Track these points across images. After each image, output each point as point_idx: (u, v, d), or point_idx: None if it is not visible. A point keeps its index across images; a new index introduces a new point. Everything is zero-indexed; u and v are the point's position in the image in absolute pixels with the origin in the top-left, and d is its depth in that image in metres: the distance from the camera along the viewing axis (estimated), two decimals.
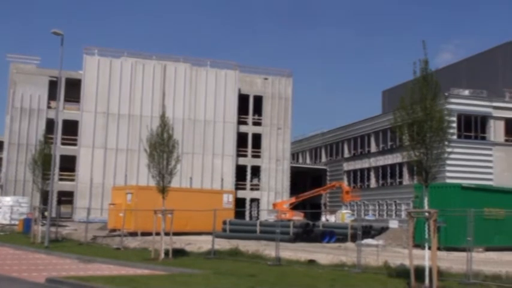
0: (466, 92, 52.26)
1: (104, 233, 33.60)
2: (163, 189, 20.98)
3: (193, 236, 32.06)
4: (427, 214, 14.11)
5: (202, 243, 24.99)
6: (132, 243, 26.86)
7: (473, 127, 50.62)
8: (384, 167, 58.36)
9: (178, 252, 22.03)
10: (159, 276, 16.32)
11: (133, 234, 30.31)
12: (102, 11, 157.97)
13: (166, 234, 21.14)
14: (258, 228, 33.74)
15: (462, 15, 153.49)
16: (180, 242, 24.93)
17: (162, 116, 21.49)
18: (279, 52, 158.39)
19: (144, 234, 28.32)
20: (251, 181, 57.87)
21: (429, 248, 14.01)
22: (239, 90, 56.04)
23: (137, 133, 49.36)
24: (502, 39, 79.79)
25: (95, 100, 52.31)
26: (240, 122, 56.58)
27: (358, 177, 62.88)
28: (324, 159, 71.28)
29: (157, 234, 21.20)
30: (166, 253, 20.75)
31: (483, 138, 50.89)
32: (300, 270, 17.57)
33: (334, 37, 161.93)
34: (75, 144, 52.37)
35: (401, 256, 21.04)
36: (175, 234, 22.39)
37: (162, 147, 20.85)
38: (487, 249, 25.92)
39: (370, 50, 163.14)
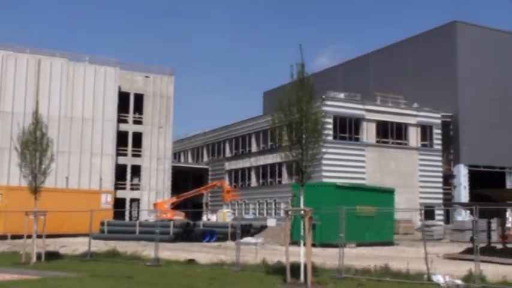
0: (341, 95, 54.77)
1: None
2: (35, 190, 19.95)
3: (69, 238, 30.89)
4: (302, 212, 14.58)
5: (78, 245, 24.12)
6: (1, 246, 25.29)
7: (347, 129, 53.16)
8: (264, 167, 59.65)
9: (52, 255, 21.08)
10: (30, 280, 15.45)
11: (2, 237, 28.61)
12: None
13: (39, 236, 20.16)
14: (137, 229, 33.19)
15: (339, 20, 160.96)
16: (54, 245, 23.89)
17: (35, 113, 20.45)
18: (161, 50, 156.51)
19: (15, 237, 26.82)
20: (131, 181, 56.60)
21: (305, 245, 14.47)
22: (119, 87, 54.59)
23: (8, 131, 46.31)
24: (375, 46, 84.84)
25: None
26: (120, 120, 55.13)
27: (239, 177, 63.77)
28: (205, 158, 71.51)
29: (29, 236, 20.13)
30: (39, 256, 19.79)
31: (357, 139, 53.59)
32: (179, 270, 17.47)
33: (218, 37, 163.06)
34: None
35: (279, 253, 21.57)
36: (50, 236, 21.43)
37: (34, 146, 19.83)
38: (359, 245, 27.31)
39: (253, 51, 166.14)
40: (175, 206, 48.68)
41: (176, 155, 75.87)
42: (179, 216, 42.96)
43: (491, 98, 58.07)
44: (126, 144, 55.96)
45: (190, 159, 75.62)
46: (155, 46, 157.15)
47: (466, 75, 57.49)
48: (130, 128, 56.41)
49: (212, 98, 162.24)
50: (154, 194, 55.66)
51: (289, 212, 16.77)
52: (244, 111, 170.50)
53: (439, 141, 56.76)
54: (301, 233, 14.81)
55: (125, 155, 55.85)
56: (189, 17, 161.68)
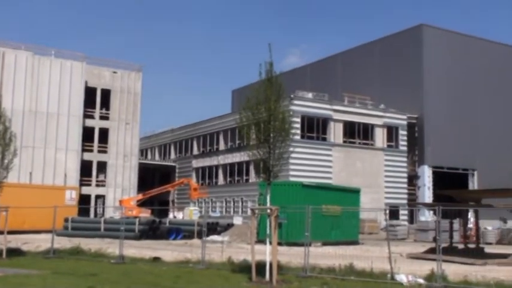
0: (310, 95, 55.07)
1: None
2: None
3: (32, 234, 30.34)
4: (268, 211, 14.61)
5: (41, 242, 23.70)
6: None
7: (315, 128, 53.49)
8: (231, 165, 59.61)
9: (14, 252, 20.66)
10: None
11: None
12: None
13: (1, 233, 19.76)
14: (102, 226, 32.82)
15: (309, 20, 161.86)
16: (16, 241, 23.43)
17: None
18: (130, 46, 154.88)
19: None
20: (97, 177, 55.84)
21: (270, 244, 14.51)
22: (86, 82, 53.78)
23: None
24: (344, 47, 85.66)
25: None
26: (86, 116, 54.32)
27: (207, 175, 63.60)
28: (173, 156, 71.10)
29: None
30: (0, 253, 19.36)
31: (324, 139, 53.96)
32: (143, 268, 17.33)
33: (188, 34, 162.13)
34: None
35: (245, 252, 21.60)
36: (12, 232, 21.01)
37: None
38: (325, 244, 27.51)
39: (223, 49, 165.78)
40: (142, 203, 48.26)
41: (143, 152, 75.24)
42: (145, 214, 42.63)
43: (456, 100, 59.21)
44: (92, 140, 55.18)
45: (157, 157, 75.06)
46: (124, 42, 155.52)
47: (431, 77, 58.46)
48: (96, 123, 55.64)
49: (181, 96, 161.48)
50: (120, 191, 55.05)
51: (256, 211, 16.78)
52: (213, 109, 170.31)
53: (405, 142, 57.60)
54: (268, 232, 14.84)
55: (91, 151, 55.08)
56: (159, 14, 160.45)
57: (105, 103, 56.57)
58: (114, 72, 56.89)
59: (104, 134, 55.88)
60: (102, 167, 56.00)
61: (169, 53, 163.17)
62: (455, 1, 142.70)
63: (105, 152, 55.72)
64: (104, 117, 56.34)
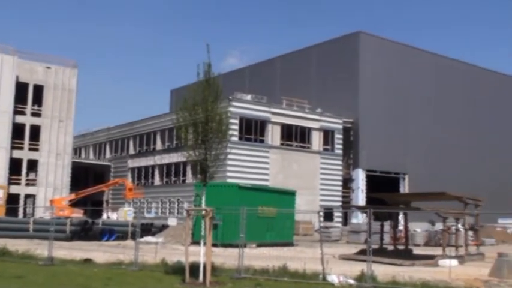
0: (248, 97, 55.30)
1: None
2: None
3: None
4: (204, 212, 14.56)
5: None
6: None
7: (253, 130, 53.74)
8: (168, 165, 59.00)
9: None
10: None
11: None
12: None
13: None
14: (31, 226, 31.75)
15: (249, 22, 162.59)
16: None
17: None
18: (66, 43, 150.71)
19: None
20: (27, 176, 53.90)
21: (205, 245, 14.46)
22: (17, 77, 51.84)
23: None
24: (282, 50, 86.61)
25: None
26: (17, 112, 52.32)
27: (143, 175, 62.71)
28: (108, 155, 69.64)
29: None
30: None
31: (262, 141, 54.28)
32: (73, 270, 16.87)
33: (128, 33, 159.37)
34: None
35: (179, 253, 21.44)
36: None
37: None
38: (260, 245, 27.71)
39: (164, 48, 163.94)
40: (74, 203, 46.99)
41: (77, 151, 73.30)
42: (77, 214, 41.51)
43: (390, 106, 60.98)
44: (22, 138, 53.20)
45: (91, 155, 73.30)
46: (60, 38, 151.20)
47: (367, 83, 59.95)
48: (28, 120, 53.71)
49: (118, 94, 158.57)
50: (51, 190, 53.35)
51: (191, 212, 16.69)
52: (151, 109, 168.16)
53: (340, 146, 58.74)
54: (202, 233, 14.79)
55: (21, 148, 53.11)
56: (96, 11, 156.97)
57: (38, 99, 54.66)
58: (48, 68, 55.11)
59: (36, 131, 54.01)
60: (33, 165, 54.11)
61: (107, 50, 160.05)
62: (392, 11, 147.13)
63: (36, 149, 53.86)
64: (35, 114, 54.45)
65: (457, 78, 67.69)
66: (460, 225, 26.01)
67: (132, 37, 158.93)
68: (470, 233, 28.36)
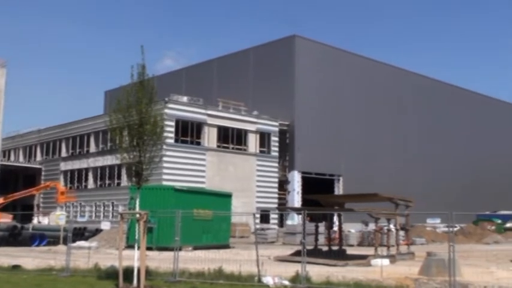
0: (185, 99, 54.90)
1: None
2: None
3: None
4: (138, 215, 14.35)
5: None
6: None
7: (189, 132, 53.40)
8: (102, 168, 57.75)
9: None
10: None
11: None
12: None
13: None
14: None
15: (185, 23, 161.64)
16: None
17: None
18: None
19: None
20: None
21: (139, 249, 14.25)
22: None
23: None
24: (218, 52, 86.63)
25: None
26: None
27: (76, 178, 61.08)
28: (39, 157, 67.40)
29: None
30: None
31: (198, 143, 54.01)
32: (0, 277, 16.22)
33: (60, 33, 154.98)
34: None
35: (113, 257, 20.99)
36: None
37: None
38: (196, 248, 27.55)
39: (98, 49, 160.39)
40: (3, 208, 45.26)
41: (5, 153, 70.53)
42: (6, 219, 39.87)
43: (325, 109, 62.09)
44: None
45: (21, 158, 70.70)
46: None
47: (302, 86, 60.79)
48: None
49: (50, 95, 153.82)
50: None
51: (126, 215, 16.42)
52: (85, 110, 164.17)
53: (276, 148, 59.28)
54: (137, 237, 14.58)
55: None
56: (28, 9, 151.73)
57: None
58: None
59: None
60: None
61: (39, 50, 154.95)
62: (328, 15, 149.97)
63: None
64: None
65: (387, 81, 69.75)
66: (391, 226, 26.72)
67: (66, 36, 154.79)
68: (402, 233, 29.18)
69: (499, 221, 53.89)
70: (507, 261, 24.35)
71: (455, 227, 41.03)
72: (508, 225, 53.76)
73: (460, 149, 77.82)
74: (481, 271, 18.51)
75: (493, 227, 51.62)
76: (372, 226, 30.17)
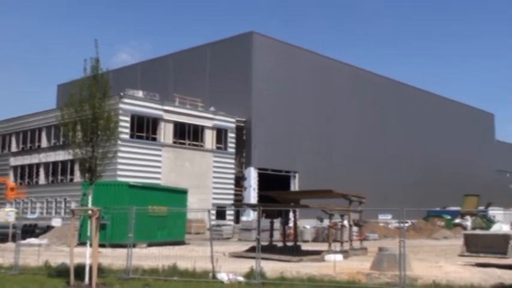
0: (140, 94, 54.19)
1: None
2: None
3: None
4: (90, 212, 14.13)
5: None
6: None
7: (145, 128, 52.75)
8: (54, 163, 56.48)
9: None
10: None
11: None
12: None
13: None
14: None
15: (141, 17, 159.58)
16: None
17: None
18: None
19: None
20: None
21: (91, 245, 14.05)
22: None
23: None
24: (175, 47, 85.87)
25: None
26: None
27: (26, 173, 59.53)
28: None
29: None
30: None
31: (154, 139, 53.39)
32: None
33: (12, 24, 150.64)
34: None
35: (64, 255, 20.58)
36: None
37: None
38: (150, 245, 27.23)
39: (50, 42, 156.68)
40: None
41: None
42: None
43: (281, 106, 62.39)
44: None
45: None
46: None
47: (259, 83, 60.88)
48: None
49: (2, 88, 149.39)
50: None
51: (76, 212, 16.13)
52: (37, 104, 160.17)
53: (233, 145, 59.23)
54: (89, 233, 14.36)
55: None
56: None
57: None
58: None
59: None
60: None
61: None
62: (286, 13, 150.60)
63: None
64: None
65: (342, 78, 70.58)
66: (345, 221, 27.11)
67: (18, 27, 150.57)
68: (355, 228, 29.63)
69: (448, 217, 55.39)
70: (455, 255, 25.09)
71: (407, 222, 41.96)
72: (457, 221, 55.33)
73: (412, 148, 79.66)
74: (430, 265, 19.02)
75: (443, 223, 53.02)
76: (326, 222, 30.52)
